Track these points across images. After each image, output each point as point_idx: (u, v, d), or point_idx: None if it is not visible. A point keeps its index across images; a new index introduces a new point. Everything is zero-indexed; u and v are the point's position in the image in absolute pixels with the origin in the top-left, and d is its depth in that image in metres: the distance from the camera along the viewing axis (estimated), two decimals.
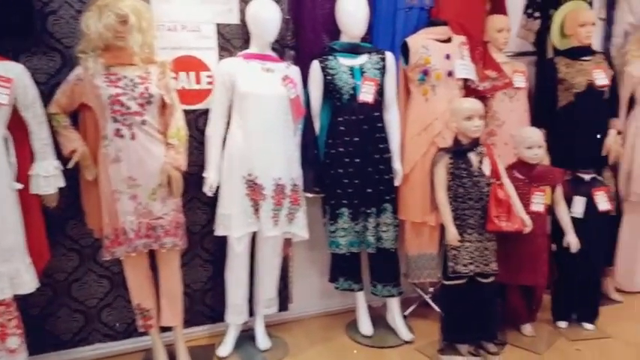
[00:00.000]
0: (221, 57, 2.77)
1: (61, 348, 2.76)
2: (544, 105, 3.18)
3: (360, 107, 2.74)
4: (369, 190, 2.78)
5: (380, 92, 2.79)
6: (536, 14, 3.33)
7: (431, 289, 3.28)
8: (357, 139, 2.74)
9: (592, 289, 3.09)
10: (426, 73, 2.85)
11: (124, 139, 2.37)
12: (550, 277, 2.95)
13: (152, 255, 2.59)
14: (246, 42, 2.79)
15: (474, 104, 2.57)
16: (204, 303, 3.00)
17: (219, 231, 2.73)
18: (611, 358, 2.81)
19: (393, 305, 3.04)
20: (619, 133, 3.17)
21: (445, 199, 2.61)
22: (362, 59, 2.78)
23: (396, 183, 2.89)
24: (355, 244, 2.86)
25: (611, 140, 3.12)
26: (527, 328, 3.02)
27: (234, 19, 2.78)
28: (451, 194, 2.62)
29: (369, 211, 2.81)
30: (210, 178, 2.69)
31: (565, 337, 2.99)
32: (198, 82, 2.78)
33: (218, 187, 2.71)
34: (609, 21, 3.49)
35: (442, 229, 2.72)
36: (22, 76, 2.28)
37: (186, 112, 2.64)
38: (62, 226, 2.64)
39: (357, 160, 2.75)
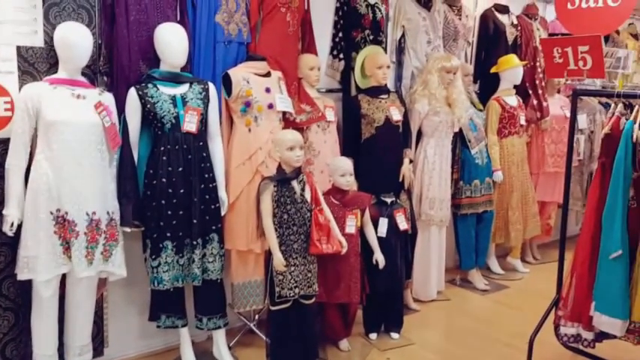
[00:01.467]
0: (23, 82, 2.50)
1: None
2: (350, 137, 3.51)
3: (184, 137, 2.70)
4: (195, 221, 2.74)
5: (203, 122, 2.80)
6: (341, 55, 3.67)
7: (256, 317, 3.33)
8: (180, 169, 2.69)
9: (396, 301, 3.45)
10: (248, 104, 2.94)
11: None
12: (362, 293, 3.22)
13: None
14: (52, 66, 2.58)
15: (295, 135, 2.73)
16: (5, 357, 2.61)
17: (22, 275, 2.41)
18: None
19: (219, 337, 3.01)
20: (411, 161, 3.63)
21: (271, 226, 2.71)
22: (183, 88, 2.76)
23: (223, 212, 2.90)
24: (180, 279, 2.78)
25: (405, 168, 3.56)
26: (344, 343, 3.25)
27: (39, 42, 2.54)
28: (276, 221, 2.72)
29: (195, 242, 2.76)
30: (12, 215, 2.39)
31: (377, 347, 3.29)
32: None
33: (20, 226, 2.42)
34: (399, 64, 4.00)
35: (268, 255, 2.81)
36: None
37: None
38: None
39: (182, 191, 2.70)
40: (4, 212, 2.41)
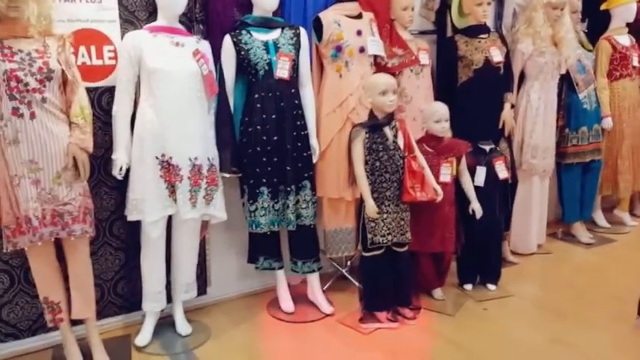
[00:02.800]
0: (124, 30, 2.60)
1: None
2: (446, 81, 3.36)
3: (277, 83, 2.71)
4: (288, 168, 2.77)
5: (295, 68, 2.78)
6: None
7: (348, 263, 3.36)
8: (274, 116, 2.71)
9: (494, 252, 3.33)
10: (339, 49, 2.88)
11: (23, 118, 2.16)
12: (457, 243, 3.14)
13: (59, 244, 2.39)
14: (151, 14, 2.65)
15: (388, 79, 2.64)
16: (117, 293, 2.83)
17: (132, 216, 2.57)
18: (514, 313, 3.05)
19: (313, 281, 3.07)
20: (512, 106, 3.42)
21: (363, 174, 2.67)
22: (275, 34, 2.75)
23: (314, 160, 2.91)
24: (276, 223, 2.85)
25: (506, 113, 3.36)
26: (438, 292, 3.20)
27: None
28: (368, 168, 2.69)
29: (288, 188, 2.80)
30: (120, 159, 2.53)
31: (472, 298, 3.21)
32: (99, 57, 2.59)
33: (128, 170, 2.56)
34: (500, 1, 3.73)
35: (360, 202, 2.79)
36: None
37: (88, 90, 2.43)
38: None
39: (275, 138, 2.73)
40: (112, 157, 2.55)
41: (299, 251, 2.97)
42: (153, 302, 2.70)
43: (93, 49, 2.57)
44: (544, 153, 3.64)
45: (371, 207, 2.66)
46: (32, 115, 2.17)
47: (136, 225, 2.64)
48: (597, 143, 3.93)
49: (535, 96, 3.56)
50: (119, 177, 2.56)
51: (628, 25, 4.01)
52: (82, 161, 2.28)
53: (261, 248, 2.95)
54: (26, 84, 2.15)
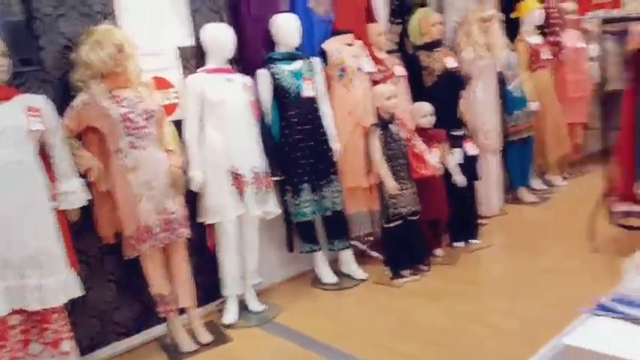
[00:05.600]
0: (184, 74, 3.25)
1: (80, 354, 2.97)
2: (416, 87, 4.26)
3: (305, 102, 3.48)
4: (322, 166, 3.53)
5: (315, 89, 3.55)
6: (397, 21, 4.40)
7: (369, 239, 4.14)
8: (307, 127, 3.48)
9: (473, 213, 4.25)
10: (343, 70, 3.70)
11: (139, 149, 2.77)
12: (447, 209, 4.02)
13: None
14: (199, 60, 3.32)
15: (391, 88, 3.51)
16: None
17: (212, 219, 3.21)
18: (500, 256, 4.00)
19: (348, 255, 3.82)
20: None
21: (383, 161, 3.49)
22: (298, 64, 3.51)
23: (335, 158, 3.68)
24: (317, 211, 3.58)
25: (463, 106, 4.32)
26: (438, 251, 4.05)
27: (191, 42, 3.29)
28: (385, 157, 3.51)
29: (322, 182, 3.56)
30: (197, 175, 3.16)
31: (464, 251, 4.10)
32: (166, 98, 3.23)
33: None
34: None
35: (379, 185, 3.60)
36: (46, 105, 2.55)
37: None
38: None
39: (311, 144, 3.48)
40: (190, 174, 3.15)
41: (335, 232, 3.71)
42: (235, 286, 3.34)
43: (161, 92, 3.20)
44: (493, 133, 4.65)
45: (392, 185, 3.48)
46: (144, 147, 2.79)
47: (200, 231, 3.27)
48: (529, 122, 5.01)
49: (480, 91, 4.57)
50: (197, 190, 3.19)
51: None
52: (180, 179, 2.91)
53: (305, 235, 3.66)
54: (136, 123, 2.77)
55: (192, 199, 3.22)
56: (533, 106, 5.01)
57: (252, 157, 3.26)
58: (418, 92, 4.24)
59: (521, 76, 4.99)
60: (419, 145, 3.64)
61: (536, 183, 5.47)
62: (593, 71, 5.57)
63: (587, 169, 5.68)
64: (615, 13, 5.03)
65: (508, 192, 5.21)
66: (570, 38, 5.50)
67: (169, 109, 3.22)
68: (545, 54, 5.15)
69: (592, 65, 5.59)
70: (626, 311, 1.13)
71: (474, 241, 4.22)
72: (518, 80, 4.93)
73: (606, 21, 3.67)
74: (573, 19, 5.58)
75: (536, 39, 5.14)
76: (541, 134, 5.21)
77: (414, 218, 3.68)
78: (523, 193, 5.18)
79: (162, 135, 2.92)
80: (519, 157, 5.10)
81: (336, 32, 3.83)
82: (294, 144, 3.47)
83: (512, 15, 5.10)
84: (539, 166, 5.47)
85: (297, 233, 3.68)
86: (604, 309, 1.15)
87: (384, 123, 3.53)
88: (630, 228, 3.75)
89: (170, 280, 3.01)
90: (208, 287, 3.41)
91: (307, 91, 3.48)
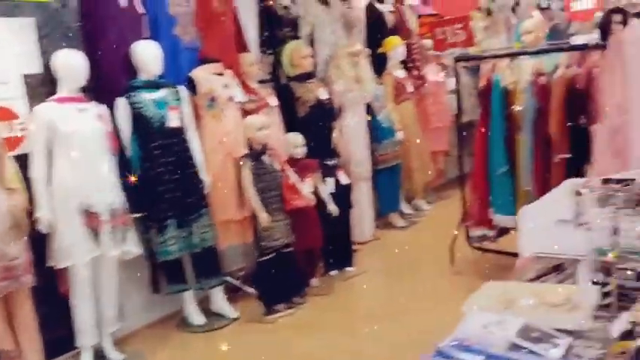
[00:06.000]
0: (31, 104, 2.93)
1: None
2: (289, 116, 4.25)
3: (170, 132, 3.29)
4: (190, 200, 3.35)
5: (181, 118, 3.39)
6: (269, 51, 4.39)
7: (242, 273, 4.00)
8: (172, 159, 3.29)
9: (347, 241, 4.30)
10: (213, 99, 3.57)
11: None
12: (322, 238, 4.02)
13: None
14: (50, 89, 3.02)
15: (262, 118, 3.45)
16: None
17: (62, 263, 2.89)
18: (372, 281, 4.07)
19: (218, 293, 3.65)
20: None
21: (255, 193, 3.41)
22: (163, 93, 3.33)
23: (206, 191, 3.52)
24: (184, 249, 3.38)
25: (336, 136, 4.39)
26: (314, 281, 4.03)
27: (39, 69, 2.98)
28: (257, 189, 3.42)
29: (190, 217, 3.38)
30: (45, 216, 2.84)
31: (339, 279, 4.12)
32: (11, 130, 2.88)
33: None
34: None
35: (253, 218, 3.50)
36: None
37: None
38: None
39: (176, 176, 3.29)
40: (37, 215, 2.84)
41: (205, 270, 3.52)
42: (89, 337, 3.02)
43: (2, 124, 2.85)
44: (363, 162, 4.78)
45: (264, 218, 3.40)
46: None
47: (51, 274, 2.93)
48: (396, 151, 5.23)
49: (351, 122, 4.69)
50: (46, 231, 2.86)
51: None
52: (22, 220, 2.59)
53: (172, 275, 3.44)
54: None
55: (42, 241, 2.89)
56: (399, 135, 5.24)
57: (108, 194, 3.00)
58: (291, 122, 4.24)
59: (388, 108, 5.21)
60: (292, 176, 3.61)
61: (405, 208, 5.71)
62: (452, 103, 6.03)
63: (449, 193, 6.06)
64: (470, 50, 5.49)
65: (380, 218, 5.38)
66: (431, 72, 5.90)
67: (14, 142, 2.89)
68: (410, 87, 5.45)
69: (450, 97, 6.04)
70: (461, 357, 1.14)
71: (349, 268, 4.26)
72: (385, 111, 5.14)
73: (459, 59, 3.94)
74: (434, 54, 6.03)
75: (401, 73, 5.42)
76: (407, 162, 5.47)
77: (288, 250, 3.62)
78: (394, 218, 5.38)
79: (1, 172, 2.59)
80: (389, 184, 5.29)
81: (204, 61, 3.71)
82: (158, 177, 3.26)
83: (379, 50, 5.34)
84: (407, 191, 5.73)
85: (163, 273, 3.45)
86: (442, 355, 1.15)
87: (256, 154, 3.46)
88: (486, 251, 4.02)
89: (14, 333, 2.65)
90: (62, 337, 3.05)
91: (173, 121, 3.30)
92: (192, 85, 3.58)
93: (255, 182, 3.42)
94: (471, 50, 5.55)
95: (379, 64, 5.39)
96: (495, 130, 3.61)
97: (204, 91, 3.56)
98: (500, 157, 3.62)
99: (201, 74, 3.60)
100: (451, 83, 6.01)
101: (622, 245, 1.35)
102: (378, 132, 5.08)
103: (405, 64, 5.54)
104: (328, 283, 4.05)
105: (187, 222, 3.37)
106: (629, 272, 1.34)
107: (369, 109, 5.02)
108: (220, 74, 3.71)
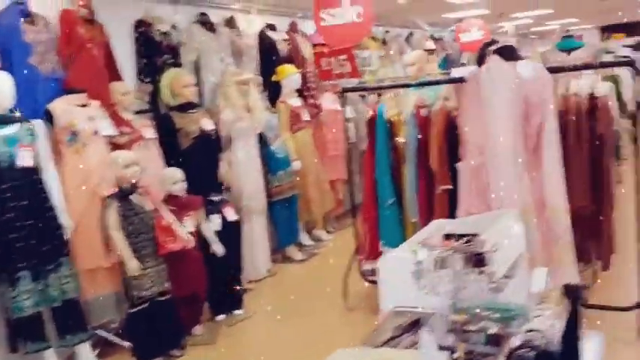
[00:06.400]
0: None
1: None
2: (170, 149, 3.96)
3: (21, 173, 2.91)
4: (46, 248, 2.97)
5: (35, 156, 3.01)
6: (147, 79, 4.09)
7: (113, 325, 3.60)
8: (24, 202, 2.90)
9: (236, 283, 4.03)
10: (74, 133, 3.23)
11: None
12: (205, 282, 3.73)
13: None
14: None
15: (127, 154, 3.14)
16: None
17: None
18: (258, 330, 3.82)
19: (84, 350, 3.25)
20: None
21: (122, 238, 3.07)
22: (14, 129, 2.95)
23: (67, 236, 3.14)
24: (40, 303, 2.98)
25: (223, 170, 4.15)
26: (197, 329, 3.71)
27: None
28: (125, 232, 3.10)
29: (48, 268, 2.99)
30: None
31: (225, 324, 3.83)
32: None
33: None
34: (197, 83, 4.54)
35: (119, 266, 3.16)
36: None
37: None
38: None
39: (30, 222, 2.91)
40: None
41: (67, 325, 3.12)
42: None
43: None
44: (256, 195, 4.56)
45: (133, 265, 3.08)
46: None
47: None
48: (291, 182, 5.06)
49: (241, 153, 4.47)
50: None
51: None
52: None
53: (27, 332, 3.01)
54: None
55: None
56: (295, 165, 5.09)
57: None
58: (173, 156, 3.96)
59: (282, 137, 5.05)
60: (167, 215, 3.32)
61: (305, 239, 5.54)
62: (350, 131, 5.98)
63: (349, 222, 5.95)
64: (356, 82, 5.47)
65: (277, 251, 5.17)
66: (327, 101, 5.83)
67: None
68: (306, 115, 5.33)
69: (349, 126, 5.99)
70: None
71: (237, 311, 3.99)
72: (279, 141, 4.98)
73: (345, 90, 3.87)
74: (331, 83, 5.97)
75: (296, 101, 5.29)
76: (305, 192, 5.31)
77: (164, 298, 3.30)
78: (292, 251, 5.18)
79: None
80: (286, 216, 5.10)
81: (68, 91, 3.36)
82: (8, 223, 2.86)
83: (273, 79, 5.20)
84: (306, 222, 5.57)
85: (20, 330, 3.02)
86: None
87: (123, 193, 3.14)
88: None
89: None
90: None
91: (24, 160, 2.93)
92: (50, 119, 3.21)
93: (122, 225, 3.10)
94: (367, 78, 5.58)
95: (273, 92, 5.26)
96: (381, 161, 3.54)
97: (64, 125, 3.22)
98: (387, 189, 3.54)
99: (61, 106, 3.26)
100: (348, 112, 6.00)
101: (467, 306, 1.21)
102: (272, 162, 4.89)
103: (301, 92, 5.43)
104: (213, 330, 3.75)
105: (44, 273, 2.98)
106: (475, 336, 1.20)
107: (263, 139, 4.83)
108: (84, 105, 3.37)
